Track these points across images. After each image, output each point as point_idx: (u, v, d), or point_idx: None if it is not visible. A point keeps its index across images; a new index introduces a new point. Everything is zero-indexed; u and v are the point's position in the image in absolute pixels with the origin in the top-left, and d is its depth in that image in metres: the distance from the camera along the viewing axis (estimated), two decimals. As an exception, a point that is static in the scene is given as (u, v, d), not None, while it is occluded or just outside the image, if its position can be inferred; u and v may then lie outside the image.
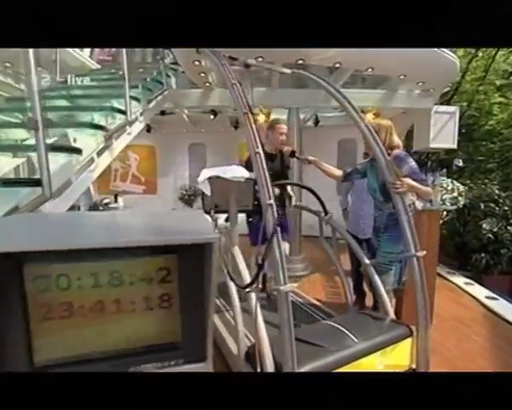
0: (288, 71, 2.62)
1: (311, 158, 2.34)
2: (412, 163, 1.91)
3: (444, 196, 3.74)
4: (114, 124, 2.14)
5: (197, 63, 2.89)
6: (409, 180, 1.74)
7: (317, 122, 5.47)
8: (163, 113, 4.67)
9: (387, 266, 2.00)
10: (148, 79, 2.71)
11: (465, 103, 5.26)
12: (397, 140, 2.01)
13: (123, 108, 2.23)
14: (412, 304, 2.46)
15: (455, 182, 3.94)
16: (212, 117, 4.80)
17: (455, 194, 3.75)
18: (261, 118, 4.38)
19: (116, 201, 2.28)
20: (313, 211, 2.40)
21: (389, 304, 1.79)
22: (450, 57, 3.14)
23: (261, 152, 1.35)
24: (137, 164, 6.30)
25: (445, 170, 8.25)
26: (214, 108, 4.81)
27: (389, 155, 2.00)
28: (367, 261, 1.91)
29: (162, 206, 6.05)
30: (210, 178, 1.54)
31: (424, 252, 1.64)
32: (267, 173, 1.31)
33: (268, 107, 4.46)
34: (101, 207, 2.17)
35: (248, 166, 2.33)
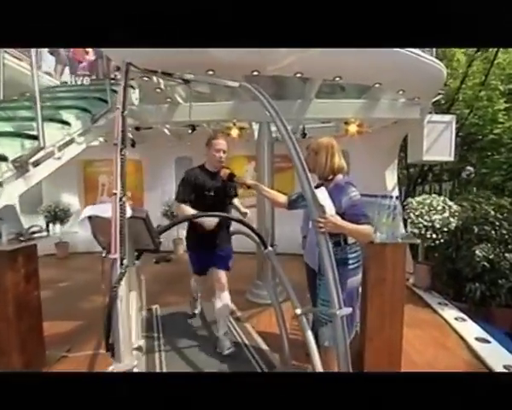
0: (235, 84, 2.38)
1: (249, 182, 2.06)
2: (353, 193, 1.58)
3: (433, 217, 3.33)
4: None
5: (146, 79, 2.70)
6: (335, 218, 1.42)
7: (304, 134, 5.17)
8: (138, 128, 4.55)
9: (326, 316, 1.67)
10: (88, 97, 2.54)
11: (466, 110, 4.81)
12: (339, 162, 1.69)
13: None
14: (377, 352, 2.12)
15: (447, 200, 3.52)
16: (189, 132, 4.62)
17: (446, 214, 3.33)
18: (234, 132, 4.14)
19: (48, 229, 2.05)
20: (255, 241, 2.11)
21: (319, 364, 1.46)
22: (432, 63, 2.79)
23: (119, 193, 1.10)
24: (124, 179, 6.21)
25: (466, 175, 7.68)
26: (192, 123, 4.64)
27: (331, 180, 1.70)
28: (298, 311, 1.60)
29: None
30: (90, 218, 1.30)
31: (349, 310, 1.31)
32: (123, 220, 1.06)
33: (242, 121, 4.22)
34: (21, 238, 1.97)
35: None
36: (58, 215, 5.05)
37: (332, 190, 1.64)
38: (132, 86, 3.12)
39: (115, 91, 2.79)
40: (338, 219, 1.42)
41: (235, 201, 2.45)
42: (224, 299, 2.28)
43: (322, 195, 1.49)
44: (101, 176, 6.21)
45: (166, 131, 5.20)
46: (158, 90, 3.03)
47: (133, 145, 5.70)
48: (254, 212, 3.76)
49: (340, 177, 1.69)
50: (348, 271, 1.63)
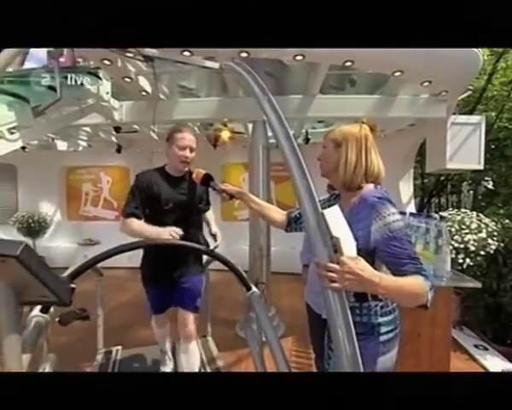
0: (214, 65, 1.82)
1: (231, 189, 1.45)
2: (392, 217, 0.94)
3: (466, 238, 2.69)
4: None
5: (107, 62, 2.16)
6: (359, 264, 0.81)
7: (307, 140, 4.61)
8: (117, 130, 4.01)
9: None
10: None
11: (493, 113, 4.21)
12: (377, 163, 1.07)
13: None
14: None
15: (482, 216, 2.89)
16: (177, 134, 4.06)
17: (482, 234, 2.69)
18: (225, 134, 3.57)
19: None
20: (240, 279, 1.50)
21: None
22: (468, 45, 2.20)
23: None
24: (110, 187, 5.68)
25: (471, 191, 7.00)
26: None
27: (357, 190, 1.08)
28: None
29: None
30: None
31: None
32: None
33: (236, 121, 3.65)
34: None
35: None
36: (32, 227, 4.48)
37: (355, 210, 1.03)
38: (99, 76, 2.58)
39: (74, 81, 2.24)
40: (364, 267, 0.81)
41: (209, 215, 1.87)
42: (192, 353, 1.67)
43: (336, 218, 0.87)
44: (84, 184, 5.68)
45: (154, 134, 4.67)
46: (127, 79, 2.48)
47: (119, 151, 5.18)
48: (246, 226, 3.17)
49: (369, 188, 1.05)
50: (378, 344, 1.01)
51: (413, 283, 0.85)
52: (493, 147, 4.82)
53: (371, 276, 0.79)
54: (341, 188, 1.11)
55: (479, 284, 1.52)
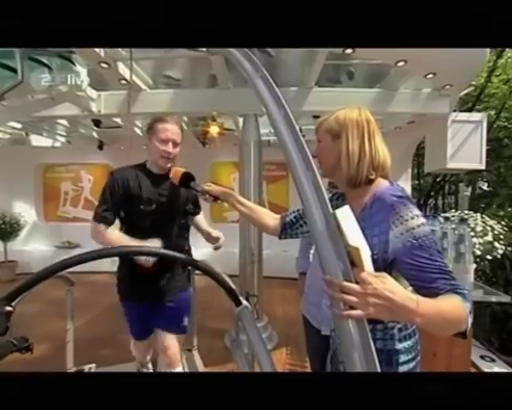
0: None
1: (215, 189, 1.22)
2: (416, 221, 0.74)
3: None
4: None
5: (78, 42, 1.90)
6: (387, 285, 0.58)
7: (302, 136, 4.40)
8: (98, 124, 3.73)
9: None
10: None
11: (493, 112, 4.09)
12: (383, 151, 0.87)
13: None
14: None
15: (486, 218, 2.73)
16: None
17: (488, 237, 2.53)
18: (214, 130, 3.33)
19: None
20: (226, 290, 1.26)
21: None
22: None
23: None
24: (91, 186, 5.36)
25: (466, 193, 6.94)
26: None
27: (367, 186, 0.87)
28: None
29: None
30: None
31: None
32: None
33: (225, 114, 3.42)
34: None
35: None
36: (2, 229, 4.14)
37: (368, 212, 0.82)
38: (72, 61, 2.32)
39: (34, 60, 1.98)
40: (394, 287, 0.58)
41: (200, 219, 1.62)
42: None
43: (349, 221, 0.64)
44: (63, 183, 5.35)
45: (138, 130, 4.39)
46: (103, 65, 2.23)
47: (100, 147, 4.88)
48: (237, 228, 2.94)
49: (384, 184, 0.85)
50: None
51: (452, 305, 0.64)
52: (489, 148, 4.72)
53: (405, 300, 0.57)
54: (347, 186, 0.90)
55: (507, 298, 1.34)
